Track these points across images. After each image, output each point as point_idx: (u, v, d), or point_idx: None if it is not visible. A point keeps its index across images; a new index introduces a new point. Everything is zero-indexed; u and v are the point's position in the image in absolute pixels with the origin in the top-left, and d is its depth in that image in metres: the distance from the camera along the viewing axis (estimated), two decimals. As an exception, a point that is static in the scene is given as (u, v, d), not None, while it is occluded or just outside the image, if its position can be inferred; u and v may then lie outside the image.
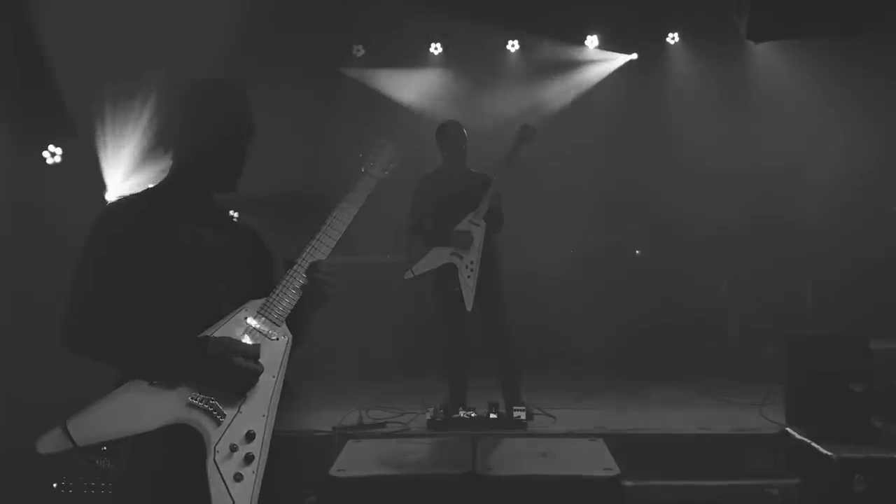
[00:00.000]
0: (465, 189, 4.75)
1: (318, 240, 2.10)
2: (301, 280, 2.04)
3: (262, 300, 2.01)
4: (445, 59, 7.14)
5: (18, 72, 4.86)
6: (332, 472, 3.77)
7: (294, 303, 2.03)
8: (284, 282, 2.04)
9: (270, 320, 1.99)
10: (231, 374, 1.88)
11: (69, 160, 5.24)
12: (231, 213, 7.22)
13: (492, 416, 4.53)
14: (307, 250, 2.08)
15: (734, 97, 6.76)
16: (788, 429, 4.31)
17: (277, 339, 1.99)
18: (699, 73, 6.91)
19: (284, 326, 2.01)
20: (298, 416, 4.84)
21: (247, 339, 1.95)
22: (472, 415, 4.55)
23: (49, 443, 1.71)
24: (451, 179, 4.85)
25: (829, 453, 3.82)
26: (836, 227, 6.35)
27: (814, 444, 3.97)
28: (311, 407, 5.14)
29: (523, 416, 4.53)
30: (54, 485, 3.80)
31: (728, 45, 6.54)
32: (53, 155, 5.17)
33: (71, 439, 1.71)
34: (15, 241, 4.51)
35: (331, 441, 4.36)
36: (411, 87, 7.13)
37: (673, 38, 7.03)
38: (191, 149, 2.08)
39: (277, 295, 2.02)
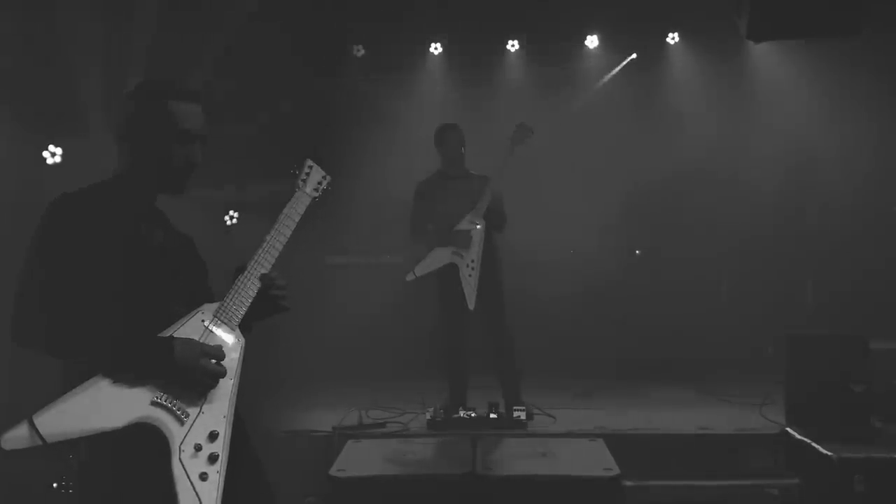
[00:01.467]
0: (465, 191, 4.77)
1: (260, 255, 2.14)
2: (253, 289, 2.11)
3: (217, 304, 2.05)
4: (445, 59, 7.14)
5: (19, 71, 4.85)
6: (332, 472, 3.77)
7: (245, 309, 2.08)
8: (235, 289, 2.09)
9: (226, 324, 2.04)
10: (196, 375, 1.91)
11: (69, 160, 5.24)
12: (232, 212, 7.17)
13: (492, 416, 4.54)
14: (252, 263, 2.13)
15: (734, 97, 6.76)
16: (788, 429, 4.31)
17: (232, 343, 2.03)
18: (699, 73, 6.91)
19: (238, 331, 2.06)
20: (299, 416, 4.85)
21: (206, 341, 1.99)
22: (472, 415, 4.56)
23: (15, 439, 1.68)
24: (450, 182, 4.87)
25: (829, 453, 3.82)
26: (836, 226, 6.34)
27: (814, 444, 3.98)
28: (311, 407, 5.15)
29: (523, 416, 4.54)
30: (54, 485, 3.79)
31: (728, 45, 6.54)
32: (53, 155, 5.16)
33: (39, 435, 1.69)
34: (15, 242, 4.51)
35: (331, 441, 4.36)
36: (411, 86, 7.13)
37: (673, 37, 7.02)
38: (143, 148, 2.09)
39: (231, 301, 2.07)
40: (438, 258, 4.65)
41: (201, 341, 1.97)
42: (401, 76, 7.10)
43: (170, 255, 2.11)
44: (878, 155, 6.26)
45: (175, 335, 1.94)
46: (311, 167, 2.32)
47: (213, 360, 1.95)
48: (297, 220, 2.24)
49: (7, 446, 1.68)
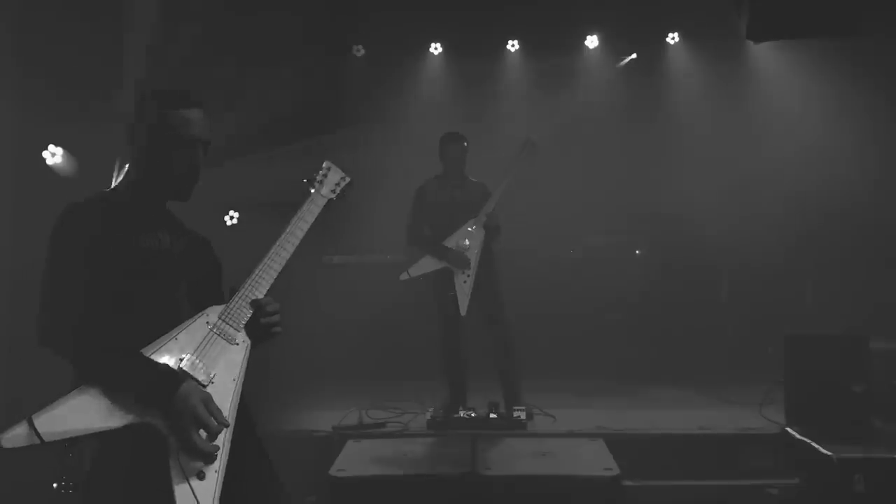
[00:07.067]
0: (464, 198, 4.77)
1: (265, 263, 2.12)
2: (256, 292, 2.09)
3: (223, 306, 2.06)
4: (445, 59, 7.14)
5: (19, 70, 4.85)
6: (332, 472, 3.78)
7: (250, 315, 2.08)
8: (242, 291, 2.08)
9: (231, 326, 2.04)
10: (183, 424, 1.83)
11: (69, 160, 5.24)
12: (232, 212, 7.14)
13: (492, 416, 4.54)
14: (260, 266, 2.11)
15: (734, 97, 6.76)
16: (788, 429, 4.31)
17: (238, 343, 2.04)
18: (699, 73, 6.91)
19: (244, 332, 2.06)
20: (299, 416, 4.85)
21: (210, 343, 1.98)
22: (472, 415, 4.56)
23: (14, 437, 1.71)
24: (449, 187, 4.86)
25: (829, 453, 3.82)
26: (837, 226, 6.35)
27: (814, 444, 3.98)
28: (311, 407, 5.14)
29: (523, 416, 4.54)
30: (54, 485, 3.79)
31: (728, 45, 6.54)
32: (53, 155, 5.17)
33: (37, 434, 1.71)
34: (14, 242, 4.52)
35: (331, 441, 4.37)
36: (411, 86, 7.13)
37: (673, 38, 7.02)
38: (146, 156, 2.10)
39: (236, 304, 2.07)
40: (434, 261, 4.66)
41: (204, 342, 1.96)
42: (401, 76, 7.09)
43: (177, 258, 2.11)
44: (877, 155, 6.27)
45: (179, 337, 1.95)
46: (328, 168, 2.29)
47: (203, 433, 1.85)
48: (311, 222, 2.20)
49: (6, 444, 1.71)
